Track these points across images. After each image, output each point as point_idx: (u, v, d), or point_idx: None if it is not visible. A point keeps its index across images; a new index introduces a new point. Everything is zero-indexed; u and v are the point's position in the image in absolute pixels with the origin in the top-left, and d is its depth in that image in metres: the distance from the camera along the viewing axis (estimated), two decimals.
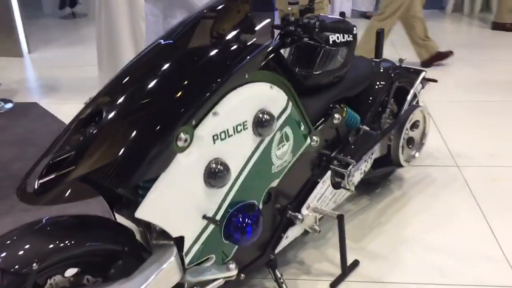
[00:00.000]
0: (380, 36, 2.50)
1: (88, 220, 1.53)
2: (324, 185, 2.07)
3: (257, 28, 1.64)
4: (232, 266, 1.61)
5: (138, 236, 1.62)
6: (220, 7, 1.63)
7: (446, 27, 6.40)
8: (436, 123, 3.43)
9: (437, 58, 4.64)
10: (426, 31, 4.56)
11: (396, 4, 4.29)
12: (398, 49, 5.02)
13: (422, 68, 2.64)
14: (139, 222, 1.58)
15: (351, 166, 2.07)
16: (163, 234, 1.51)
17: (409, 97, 2.55)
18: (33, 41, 5.86)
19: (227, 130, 1.54)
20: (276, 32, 1.84)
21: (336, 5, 6.61)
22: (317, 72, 1.99)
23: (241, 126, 1.58)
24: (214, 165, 1.50)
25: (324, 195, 2.09)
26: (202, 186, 1.51)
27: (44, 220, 1.44)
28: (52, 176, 1.34)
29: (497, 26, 5.87)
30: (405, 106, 2.53)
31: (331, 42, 1.98)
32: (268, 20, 1.68)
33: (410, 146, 2.60)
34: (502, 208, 2.48)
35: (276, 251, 1.97)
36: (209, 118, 1.49)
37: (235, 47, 1.58)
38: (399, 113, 2.52)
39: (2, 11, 5.20)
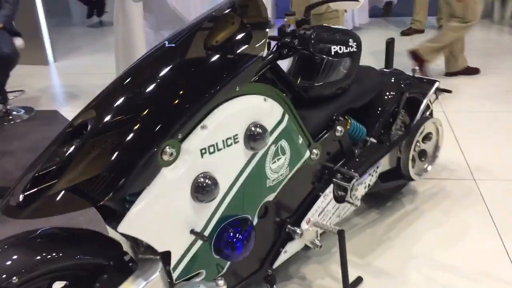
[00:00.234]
0: (390, 46, 2.43)
1: (75, 233, 1.51)
2: (326, 199, 2.02)
3: (250, 40, 1.60)
4: (221, 282, 1.56)
5: (129, 250, 1.60)
6: (212, 19, 1.60)
7: (475, 33, 6.21)
8: (455, 134, 3.32)
9: (464, 72, 4.50)
10: (464, 44, 4.45)
11: (475, 8, 4.16)
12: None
13: (436, 79, 2.55)
14: (127, 236, 1.56)
15: (354, 180, 2.01)
16: (150, 248, 1.48)
17: (421, 108, 2.46)
18: (59, 49, 6.00)
19: (216, 143, 1.50)
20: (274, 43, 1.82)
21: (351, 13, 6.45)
22: (319, 84, 1.94)
23: (231, 139, 1.54)
24: (201, 179, 1.47)
25: (326, 209, 2.04)
26: (189, 200, 1.48)
27: (30, 233, 1.43)
28: (35, 189, 1.33)
29: None
30: (417, 118, 2.44)
31: (332, 53, 1.93)
32: (262, 32, 1.65)
33: (423, 159, 2.52)
34: None
35: (275, 266, 1.92)
36: (197, 131, 1.46)
37: (225, 59, 1.55)
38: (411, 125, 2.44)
39: (29, 20, 5.32)
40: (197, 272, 1.60)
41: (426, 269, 2.13)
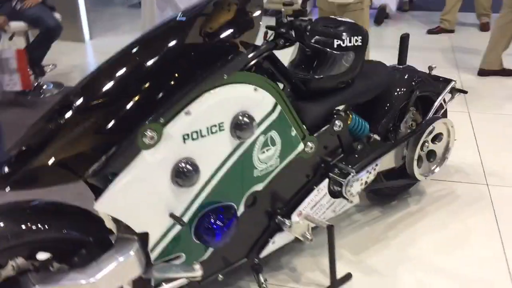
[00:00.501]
0: (404, 42, 2.37)
1: (62, 208, 1.56)
2: (320, 192, 2.00)
3: (241, 28, 1.60)
4: (197, 267, 1.59)
5: (112, 228, 1.64)
6: (205, 6, 1.61)
7: None
8: (476, 137, 3.22)
9: (500, 73, 4.32)
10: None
11: None
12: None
13: (452, 78, 2.47)
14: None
15: (350, 176, 1.99)
16: (128, 228, 1.52)
17: (433, 108, 2.40)
18: (97, 27, 6.12)
19: (200, 130, 1.52)
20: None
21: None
22: (319, 76, 1.92)
23: (216, 127, 1.55)
24: (182, 165, 1.49)
25: (320, 203, 2.02)
26: (169, 184, 1.50)
27: (19, 203, 1.49)
28: (19, 163, 1.38)
29: None
30: (428, 117, 2.39)
31: (335, 46, 1.91)
32: (255, 21, 1.64)
33: (431, 160, 2.46)
34: None
35: (262, 255, 1.94)
36: (181, 117, 1.48)
37: (214, 47, 1.56)
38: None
39: None
40: (176, 255, 1.63)
41: (419, 271, 2.09)
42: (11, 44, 4.14)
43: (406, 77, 2.33)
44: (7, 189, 1.39)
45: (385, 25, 6.07)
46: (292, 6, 1.69)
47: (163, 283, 1.63)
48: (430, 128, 2.30)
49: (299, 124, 1.82)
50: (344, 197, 2.03)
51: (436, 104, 2.41)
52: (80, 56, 5.38)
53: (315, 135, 1.91)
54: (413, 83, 2.31)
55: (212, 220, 1.61)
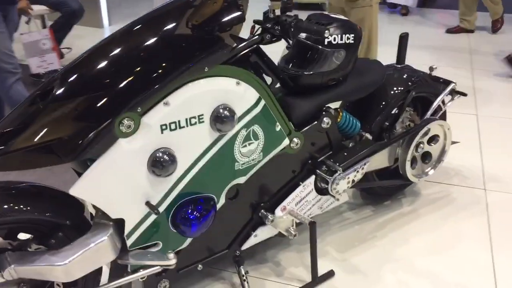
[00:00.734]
0: (403, 41, 2.35)
1: (43, 191, 1.61)
2: (305, 189, 2.01)
3: (224, 22, 1.61)
4: (171, 255, 1.61)
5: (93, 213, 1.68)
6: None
7: None
8: (481, 140, 3.16)
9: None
10: None
11: None
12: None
13: (452, 80, 2.43)
14: None
15: (337, 174, 1.99)
16: (105, 214, 1.55)
17: (430, 109, 2.37)
18: (116, 14, 6.19)
19: (179, 121, 1.54)
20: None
21: None
22: (309, 73, 1.92)
23: (195, 119, 1.57)
24: (159, 154, 1.52)
25: (305, 200, 2.03)
26: (146, 173, 1.53)
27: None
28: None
29: None
30: (424, 118, 2.36)
31: (326, 43, 1.90)
32: (238, 16, 1.64)
33: (427, 162, 2.43)
34: None
35: (243, 248, 1.95)
36: (159, 107, 1.50)
37: (196, 39, 1.57)
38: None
39: None
40: (153, 242, 1.66)
41: (402, 273, 2.08)
42: (29, 28, 4.23)
43: (402, 76, 2.31)
44: None
45: (404, 21, 5.98)
46: (279, 1, 1.69)
47: (141, 269, 1.66)
48: (425, 129, 2.28)
49: (285, 119, 1.82)
50: (331, 195, 2.04)
51: (434, 105, 2.38)
52: (97, 41, 5.43)
53: (302, 131, 1.91)
54: (409, 83, 2.28)
55: (190, 211, 1.63)
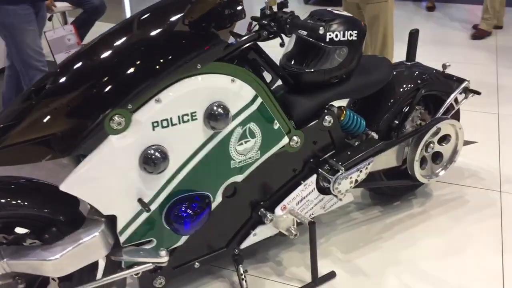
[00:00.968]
0: (413, 37, 2.28)
1: (39, 186, 1.62)
2: (307, 188, 1.98)
3: (219, 19, 1.59)
4: (163, 253, 1.61)
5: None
6: None
7: None
8: (500, 141, 3.06)
9: None
10: None
11: None
12: None
13: (465, 78, 2.35)
14: None
15: (339, 173, 1.95)
16: (97, 210, 1.56)
17: (442, 108, 2.30)
18: (139, 10, 6.23)
19: (171, 118, 1.53)
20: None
21: None
22: (310, 70, 1.89)
23: (188, 116, 1.56)
24: (151, 152, 1.51)
25: (306, 199, 2.00)
26: (137, 170, 1.52)
27: None
28: None
29: None
30: (435, 117, 2.29)
31: (327, 40, 1.86)
32: (233, 13, 1.62)
33: (438, 162, 2.36)
34: None
35: (242, 246, 1.94)
36: (151, 104, 1.49)
37: (189, 36, 1.56)
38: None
39: None
40: (147, 239, 1.66)
41: (406, 276, 2.03)
42: (52, 25, 4.30)
43: (412, 74, 2.24)
44: None
45: (429, 16, 5.83)
46: None
47: (135, 266, 1.66)
48: (434, 129, 2.21)
49: (284, 117, 1.79)
50: (333, 194, 2.00)
51: (446, 104, 2.30)
52: None
53: (302, 129, 1.88)
54: (419, 81, 2.22)
55: (183, 208, 1.63)
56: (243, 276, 1.93)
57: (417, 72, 2.26)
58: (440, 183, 2.59)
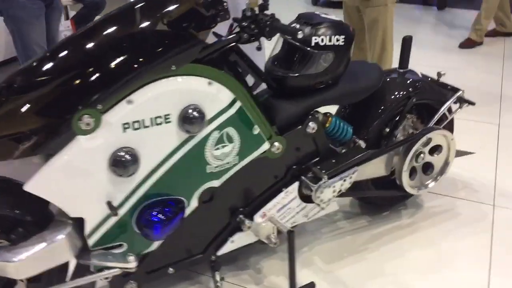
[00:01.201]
0: (406, 44, 2.22)
1: (3, 183, 1.58)
2: (288, 195, 1.92)
3: (196, 19, 1.54)
4: (131, 258, 1.57)
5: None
6: None
7: None
8: (498, 152, 2.98)
9: None
10: None
11: None
12: None
13: (459, 88, 2.29)
14: None
15: (321, 181, 1.89)
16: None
17: (434, 118, 2.24)
18: None
19: (143, 120, 1.49)
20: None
21: None
22: (294, 75, 1.83)
23: (161, 118, 1.51)
24: (121, 154, 1.47)
25: (288, 207, 1.95)
26: (106, 173, 1.48)
27: None
28: None
29: None
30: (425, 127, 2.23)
31: (312, 44, 1.81)
32: (222, 12, 1.58)
33: (428, 173, 2.30)
34: None
35: (219, 253, 1.89)
36: (122, 105, 1.45)
37: (164, 36, 1.52)
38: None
39: None
40: (118, 243, 1.62)
41: None
42: None
43: (404, 82, 2.18)
44: None
45: (436, 19, 5.74)
46: None
47: (105, 269, 1.62)
48: (424, 139, 2.15)
49: (264, 122, 1.74)
50: (315, 203, 1.95)
51: (439, 113, 2.24)
52: None
53: (284, 135, 1.83)
54: (411, 89, 2.15)
55: (154, 213, 1.58)
56: (218, 284, 1.88)
57: (409, 80, 2.19)
58: (431, 194, 2.53)
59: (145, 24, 1.52)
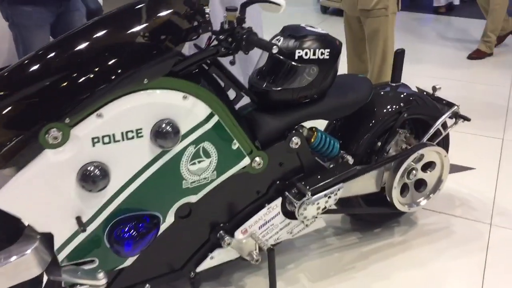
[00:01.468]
0: (398, 58, 2.16)
1: None
2: (271, 211, 1.87)
3: (170, 31, 1.51)
4: (100, 275, 1.53)
5: None
6: (142, 4, 1.53)
7: None
8: (500, 168, 2.89)
9: None
10: None
11: None
12: None
13: (454, 103, 2.22)
14: None
15: (305, 198, 1.84)
16: None
17: (428, 133, 2.17)
18: None
19: (113, 134, 1.45)
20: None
21: None
22: (277, 88, 1.79)
23: (133, 133, 1.48)
24: (90, 168, 1.44)
25: (271, 223, 1.89)
26: (75, 188, 1.45)
27: None
28: None
29: None
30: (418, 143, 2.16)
31: (296, 57, 1.76)
32: (204, 24, 1.54)
33: (421, 190, 2.23)
34: None
35: (199, 269, 1.84)
36: (91, 119, 1.42)
37: (135, 48, 1.48)
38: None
39: None
40: (89, 259, 1.59)
41: None
42: None
43: (395, 96, 2.12)
44: None
45: (446, 28, 5.65)
46: (235, 11, 1.57)
47: (77, 285, 1.59)
48: (416, 155, 2.08)
49: (244, 137, 1.70)
50: (299, 220, 1.89)
51: (432, 129, 2.17)
52: None
53: (266, 150, 1.78)
54: (402, 103, 2.09)
55: (126, 229, 1.55)
56: None
57: (401, 95, 2.13)
58: (426, 211, 2.46)
59: (116, 35, 1.49)
